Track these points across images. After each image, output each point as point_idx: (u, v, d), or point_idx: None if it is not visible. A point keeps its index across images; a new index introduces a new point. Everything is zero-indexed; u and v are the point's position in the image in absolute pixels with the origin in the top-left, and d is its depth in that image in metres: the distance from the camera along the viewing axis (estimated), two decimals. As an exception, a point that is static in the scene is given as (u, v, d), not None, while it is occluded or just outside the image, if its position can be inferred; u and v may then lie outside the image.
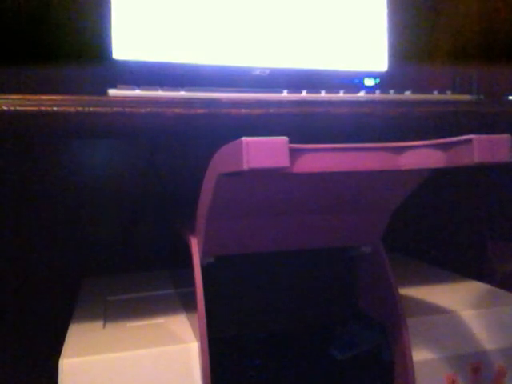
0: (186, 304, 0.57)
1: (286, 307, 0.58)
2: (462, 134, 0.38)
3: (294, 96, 0.56)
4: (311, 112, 0.51)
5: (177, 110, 0.47)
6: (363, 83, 0.78)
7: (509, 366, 0.56)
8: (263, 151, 0.34)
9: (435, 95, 0.62)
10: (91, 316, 0.58)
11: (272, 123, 0.50)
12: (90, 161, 0.82)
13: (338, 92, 0.59)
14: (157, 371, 0.47)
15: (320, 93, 0.58)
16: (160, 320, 0.56)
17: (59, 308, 0.69)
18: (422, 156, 0.40)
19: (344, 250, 0.59)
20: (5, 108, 0.42)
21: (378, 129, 0.54)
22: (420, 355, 0.53)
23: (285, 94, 0.57)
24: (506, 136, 0.38)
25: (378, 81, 0.79)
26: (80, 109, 0.44)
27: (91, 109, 0.45)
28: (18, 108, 0.42)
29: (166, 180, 0.84)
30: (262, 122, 0.49)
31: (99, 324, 0.55)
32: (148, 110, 0.46)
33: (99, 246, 0.82)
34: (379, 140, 0.41)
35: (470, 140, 0.37)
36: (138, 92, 0.51)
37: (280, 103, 0.50)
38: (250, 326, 0.56)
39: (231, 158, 0.37)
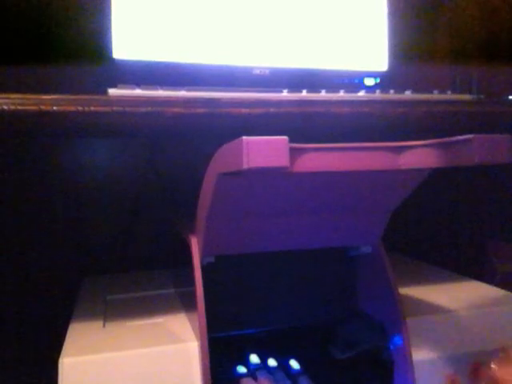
0: (186, 303, 0.57)
1: (286, 307, 0.58)
2: (462, 134, 0.38)
3: (294, 96, 0.56)
4: (311, 112, 0.51)
5: (177, 110, 0.47)
6: (363, 83, 0.78)
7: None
8: (263, 151, 0.34)
9: (435, 95, 0.62)
10: (91, 315, 0.58)
11: (272, 123, 0.50)
12: (90, 161, 0.82)
13: (338, 92, 0.59)
14: (157, 370, 0.47)
15: (320, 92, 0.58)
16: (160, 319, 0.56)
17: (59, 308, 0.69)
18: (422, 156, 0.40)
19: (344, 250, 0.59)
20: (5, 107, 0.42)
21: (377, 129, 0.54)
22: (420, 355, 0.53)
23: (285, 94, 0.57)
24: (506, 136, 0.38)
25: (378, 80, 0.79)
26: (80, 108, 0.44)
27: (91, 108, 0.45)
28: (18, 107, 0.42)
29: (165, 180, 0.84)
30: (262, 122, 0.49)
31: (99, 323, 0.55)
32: (148, 109, 0.46)
33: (99, 246, 0.82)
34: (379, 140, 0.41)
35: (470, 140, 0.37)
36: (138, 91, 0.51)
37: (280, 103, 0.50)
38: (250, 326, 0.56)
39: (231, 158, 0.37)
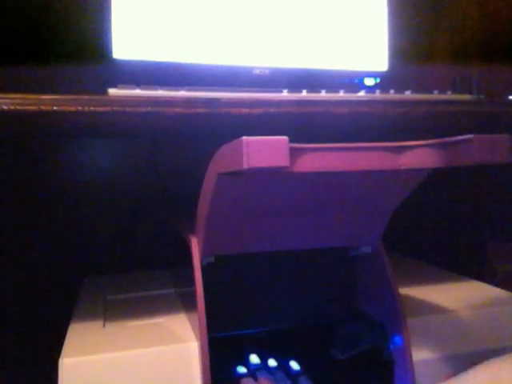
0: (186, 303, 0.57)
1: (286, 307, 0.58)
2: (462, 134, 0.38)
3: (294, 95, 0.56)
4: (311, 112, 0.51)
5: (177, 110, 0.47)
6: (363, 83, 0.78)
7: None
8: (263, 151, 0.34)
9: (435, 95, 0.62)
10: (91, 315, 0.58)
11: (272, 123, 0.50)
12: (90, 161, 0.82)
13: (338, 92, 0.59)
14: (157, 370, 0.47)
15: (320, 92, 0.58)
16: (160, 319, 0.56)
17: (59, 308, 0.69)
18: (421, 156, 0.40)
19: (344, 250, 0.59)
20: (5, 107, 0.42)
21: (377, 129, 0.54)
22: (420, 355, 0.53)
23: (285, 94, 0.57)
24: (506, 136, 0.38)
25: (378, 80, 0.79)
26: (80, 108, 0.44)
27: (91, 108, 0.45)
28: (17, 107, 0.42)
29: (165, 180, 0.84)
30: (262, 122, 0.49)
31: (99, 323, 0.55)
32: (148, 109, 0.46)
33: (99, 246, 0.82)
34: (379, 140, 0.41)
35: (470, 140, 0.37)
36: (138, 91, 0.51)
37: (280, 103, 0.50)
38: (250, 326, 0.56)
39: (231, 158, 0.37)
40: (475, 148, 0.37)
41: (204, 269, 0.50)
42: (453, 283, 0.69)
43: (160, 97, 0.49)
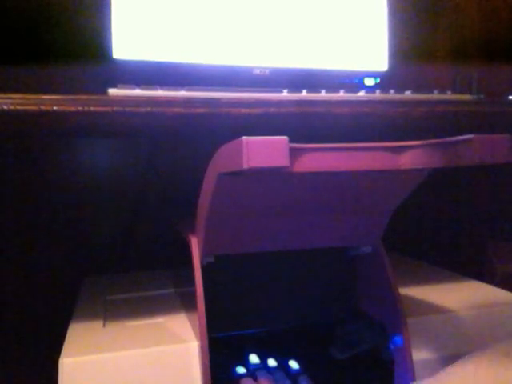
0: (186, 303, 0.57)
1: (286, 307, 0.58)
2: (462, 134, 0.38)
3: (294, 96, 0.56)
4: (311, 112, 0.51)
5: (177, 110, 0.47)
6: (363, 83, 0.78)
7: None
8: (263, 151, 0.34)
9: (435, 95, 0.62)
10: (91, 315, 0.58)
11: (272, 123, 0.50)
12: (90, 161, 0.82)
13: (338, 92, 0.59)
14: (157, 370, 0.47)
15: (320, 92, 0.58)
16: (160, 319, 0.56)
17: (59, 308, 0.69)
18: (422, 156, 0.40)
19: (344, 250, 0.59)
20: (5, 107, 0.42)
21: (377, 129, 0.54)
22: (420, 355, 0.53)
23: (285, 94, 0.57)
24: (506, 136, 0.38)
25: (378, 80, 0.79)
26: (80, 108, 0.44)
27: (91, 108, 0.45)
28: (18, 107, 0.42)
29: (165, 180, 0.84)
30: (262, 122, 0.49)
31: (99, 323, 0.55)
32: (148, 109, 0.46)
33: (99, 246, 0.82)
34: (379, 140, 0.41)
35: (470, 140, 0.37)
36: (138, 91, 0.51)
37: (280, 103, 0.50)
38: (250, 326, 0.56)
39: (231, 158, 0.37)
40: (475, 148, 0.37)
41: (204, 269, 0.50)
42: (453, 283, 0.69)
43: (160, 97, 0.49)
